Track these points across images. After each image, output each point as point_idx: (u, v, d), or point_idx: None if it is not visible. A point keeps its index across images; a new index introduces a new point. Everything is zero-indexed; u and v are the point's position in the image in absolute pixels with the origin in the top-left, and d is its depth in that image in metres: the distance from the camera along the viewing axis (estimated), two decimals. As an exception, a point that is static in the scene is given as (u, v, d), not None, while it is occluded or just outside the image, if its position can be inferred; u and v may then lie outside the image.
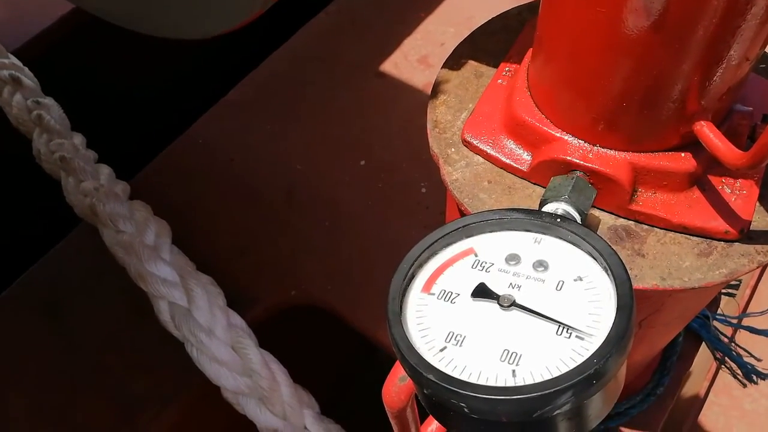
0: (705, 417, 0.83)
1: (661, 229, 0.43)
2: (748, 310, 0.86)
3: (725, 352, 0.78)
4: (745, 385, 0.79)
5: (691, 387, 0.85)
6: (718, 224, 0.42)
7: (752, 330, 0.81)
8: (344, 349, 1.02)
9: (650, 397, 0.71)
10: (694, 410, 0.82)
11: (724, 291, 0.82)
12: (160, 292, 0.73)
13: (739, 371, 0.79)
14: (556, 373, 0.30)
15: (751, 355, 0.80)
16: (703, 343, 0.78)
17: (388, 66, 1.08)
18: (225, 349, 0.71)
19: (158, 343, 0.77)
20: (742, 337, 0.83)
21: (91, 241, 0.82)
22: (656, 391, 0.71)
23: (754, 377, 0.78)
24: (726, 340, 0.78)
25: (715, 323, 0.79)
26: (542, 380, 0.30)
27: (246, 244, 0.90)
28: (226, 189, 0.95)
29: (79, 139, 0.90)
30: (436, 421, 0.49)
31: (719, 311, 0.80)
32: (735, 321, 0.82)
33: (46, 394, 0.79)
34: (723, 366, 0.81)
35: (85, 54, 1.06)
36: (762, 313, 0.84)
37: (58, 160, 0.86)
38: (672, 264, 0.42)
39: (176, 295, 0.73)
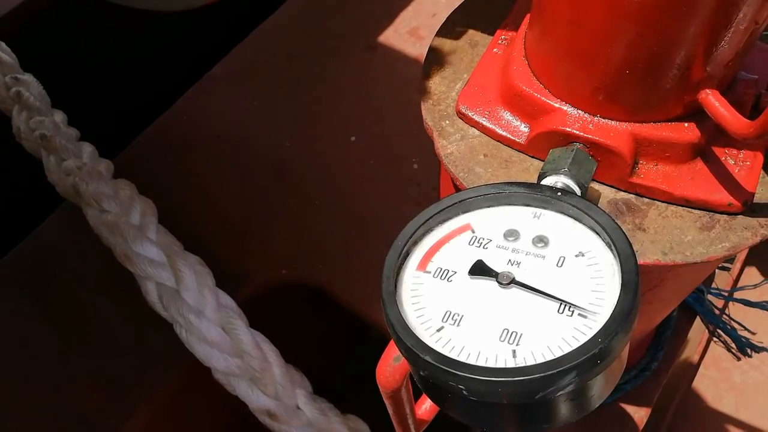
0: (695, 390, 0.83)
1: (662, 202, 0.42)
2: (740, 284, 0.86)
3: (719, 326, 0.78)
4: (739, 359, 0.79)
5: (682, 360, 0.85)
6: (722, 196, 0.41)
7: (746, 303, 0.81)
8: (336, 329, 1.01)
9: (645, 372, 0.70)
10: (685, 383, 0.82)
11: (718, 266, 0.82)
12: (147, 273, 0.71)
13: (733, 345, 0.78)
14: (558, 353, 0.29)
15: (745, 328, 0.80)
16: (697, 316, 0.78)
17: (379, 39, 1.05)
18: (215, 330, 0.70)
19: (146, 323, 0.75)
20: (736, 310, 0.83)
21: (75, 220, 0.80)
22: (651, 365, 0.71)
23: (748, 350, 0.77)
24: (720, 313, 0.78)
25: (710, 297, 0.79)
26: (544, 360, 0.28)
27: (234, 222, 0.88)
28: (213, 167, 0.93)
29: (60, 116, 0.87)
30: (429, 400, 0.48)
31: (713, 285, 0.79)
32: (728, 294, 0.82)
33: (31, 374, 0.77)
34: (717, 339, 0.81)
35: (64, 28, 1.03)
36: (755, 286, 0.84)
37: (38, 138, 0.83)
38: (674, 238, 0.41)
39: (164, 275, 0.71)
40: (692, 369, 0.83)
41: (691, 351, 0.85)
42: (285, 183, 0.91)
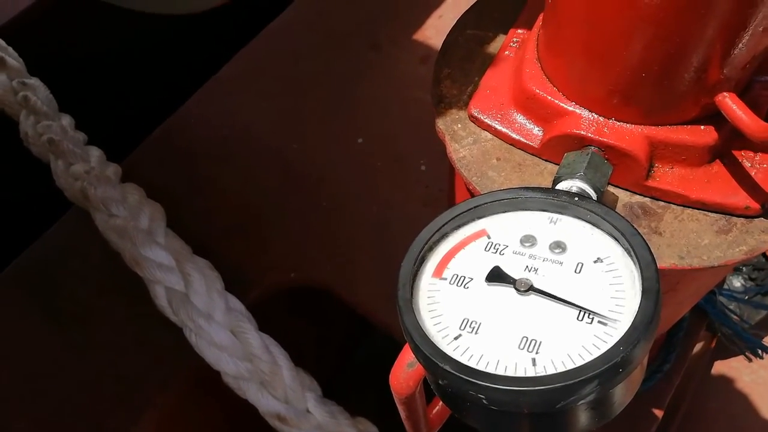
0: (705, 390, 0.83)
1: (678, 205, 0.42)
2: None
3: (731, 327, 0.77)
4: (750, 360, 0.79)
5: (692, 360, 0.85)
6: (738, 199, 0.40)
7: (757, 305, 0.81)
8: (344, 331, 1.01)
9: (657, 373, 0.70)
10: (695, 383, 0.82)
11: (730, 266, 0.81)
12: (156, 277, 0.71)
13: (744, 346, 0.78)
14: (579, 362, 0.28)
15: (756, 330, 0.80)
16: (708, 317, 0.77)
17: (385, 39, 1.05)
18: (224, 334, 0.70)
19: (155, 326, 0.75)
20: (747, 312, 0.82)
21: (83, 225, 0.80)
22: (663, 367, 0.70)
23: (760, 351, 0.77)
24: (733, 316, 0.77)
25: (721, 299, 0.79)
26: (565, 369, 0.28)
27: (242, 225, 0.87)
28: (220, 169, 0.92)
29: (67, 120, 0.87)
30: (441, 402, 0.48)
31: (725, 286, 0.79)
32: (740, 296, 0.81)
33: (39, 377, 0.77)
34: (727, 341, 0.81)
35: (71, 33, 1.03)
36: (764, 288, 0.83)
37: (46, 143, 0.83)
38: (690, 242, 0.40)
39: (173, 279, 0.71)
40: (702, 370, 0.83)
41: (700, 350, 0.84)
42: (292, 185, 0.91)
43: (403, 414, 0.44)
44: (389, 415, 0.45)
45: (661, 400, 0.70)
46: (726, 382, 0.84)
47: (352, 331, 1.01)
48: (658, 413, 0.69)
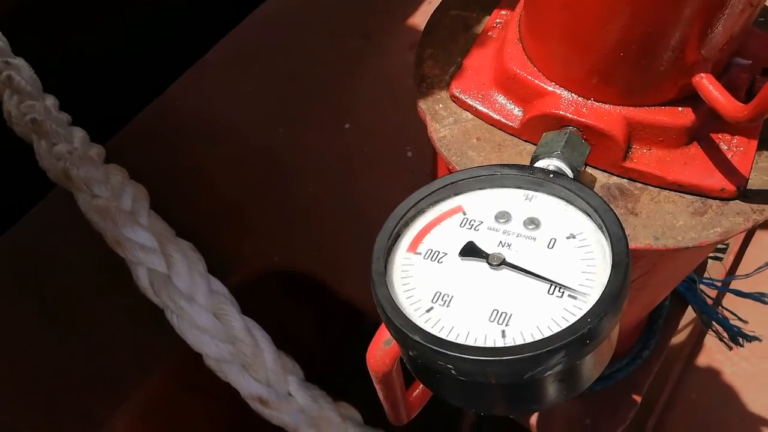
0: (686, 380, 0.84)
1: (655, 187, 0.42)
2: (734, 274, 0.86)
3: (711, 315, 0.78)
4: (731, 348, 0.80)
5: (674, 349, 0.85)
6: (714, 181, 0.41)
7: (738, 293, 0.81)
8: (329, 317, 1.01)
9: (636, 360, 0.70)
10: (676, 373, 0.82)
11: (711, 255, 0.82)
12: (138, 258, 0.71)
13: (725, 334, 0.79)
14: (547, 333, 0.28)
15: (738, 318, 0.80)
16: (689, 306, 0.78)
17: (374, 26, 1.05)
18: (206, 316, 0.69)
19: (137, 310, 0.75)
20: (728, 301, 0.83)
21: (66, 206, 0.79)
22: (642, 354, 0.71)
23: (741, 339, 0.78)
24: (712, 303, 0.78)
25: (702, 287, 0.79)
26: (533, 340, 0.28)
27: (227, 209, 0.87)
28: (205, 153, 0.92)
29: (51, 100, 0.86)
30: (421, 386, 0.48)
31: (706, 274, 0.79)
32: (721, 284, 0.82)
33: (21, 361, 0.77)
34: (709, 329, 0.81)
35: (56, 12, 1.01)
36: (747, 275, 0.84)
37: (29, 123, 0.82)
38: (666, 223, 0.41)
39: (155, 261, 0.70)
40: (684, 359, 0.84)
41: (683, 341, 0.85)
42: (277, 170, 0.91)
43: (381, 394, 0.44)
44: (378, 402, 0.46)
45: (639, 386, 0.70)
46: (708, 373, 0.85)
47: (338, 317, 1.01)
48: (637, 399, 0.70)
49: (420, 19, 1.05)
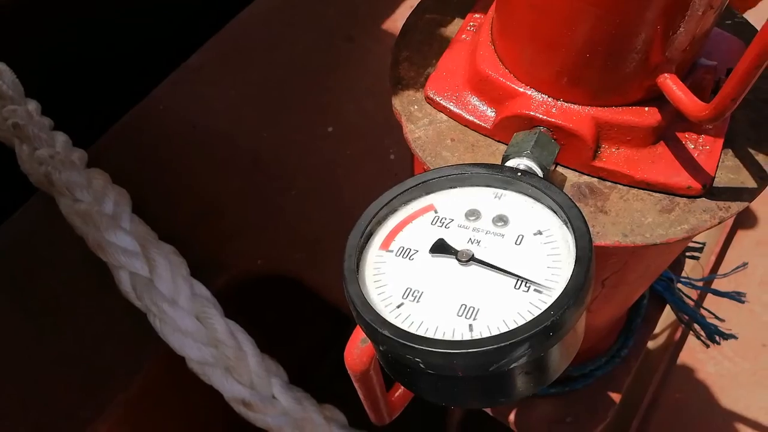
0: (670, 380, 0.85)
1: (624, 185, 0.43)
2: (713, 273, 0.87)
3: (689, 314, 0.79)
4: (708, 346, 0.81)
5: (656, 351, 0.86)
6: (681, 180, 0.41)
7: (715, 292, 0.83)
8: (314, 320, 1.01)
9: (615, 359, 0.71)
10: (659, 373, 0.83)
11: (687, 254, 0.83)
12: (120, 262, 0.71)
13: (702, 332, 0.80)
14: (513, 326, 0.29)
15: (715, 317, 0.82)
16: (669, 307, 0.79)
17: (358, 29, 1.05)
18: (189, 319, 0.70)
19: (121, 312, 0.75)
20: (710, 301, 0.84)
21: (48, 210, 0.79)
22: (621, 353, 0.72)
23: (717, 338, 0.79)
24: (690, 302, 0.79)
25: (681, 286, 0.80)
26: (498, 333, 0.29)
27: (210, 212, 0.87)
28: (188, 156, 0.92)
29: (33, 105, 0.86)
30: (402, 387, 0.48)
31: (683, 274, 0.81)
32: (699, 284, 0.83)
33: (5, 365, 0.76)
34: (687, 327, 0.82)
35: (38, 16, 1.01)
36: (725, 275, 0.85)
37: (11, 127, 0.82)
38: (634, 220, 0.41)
39: (137, 265, 0.71)
40: (666, 359, 0.85)
41: (664, 341, 0.86)
42: (261, 173, 0.91)
43: (360, 393, 0.44)
44: (362, 405, 0.46)
45: (619, 384, 0.71)
46: (691, 372, 0.86)
47: (323, 321, 1.01)
48: (616, 397, 0.71)
49: (402, 23, 1.06)
